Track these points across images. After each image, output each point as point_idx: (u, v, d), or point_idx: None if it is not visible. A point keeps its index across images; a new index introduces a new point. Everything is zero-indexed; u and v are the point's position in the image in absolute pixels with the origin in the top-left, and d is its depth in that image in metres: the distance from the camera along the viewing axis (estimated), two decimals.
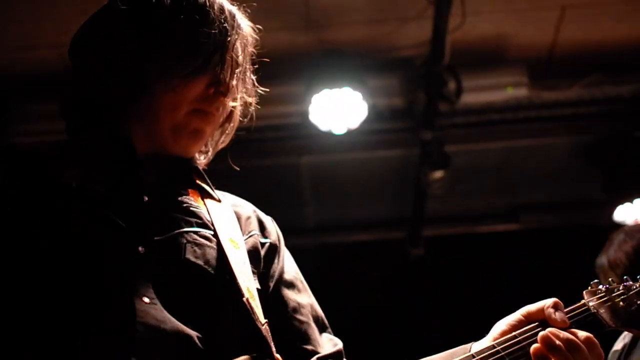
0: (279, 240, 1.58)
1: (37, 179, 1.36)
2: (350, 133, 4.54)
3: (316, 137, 4.70)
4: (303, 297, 1.54)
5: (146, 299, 1.28)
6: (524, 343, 1.29)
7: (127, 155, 1.43)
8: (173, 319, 1.28)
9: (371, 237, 5.91)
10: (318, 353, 1.47)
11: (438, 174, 4.93)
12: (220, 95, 1.46)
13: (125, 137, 1.44)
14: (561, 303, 1.36)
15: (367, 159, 5.28)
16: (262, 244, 1.53)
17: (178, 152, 1.48)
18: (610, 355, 2.65)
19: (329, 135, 4.55)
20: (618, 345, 2.62)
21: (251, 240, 1.51)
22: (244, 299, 1.36)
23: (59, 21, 3.62)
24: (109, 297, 1.27)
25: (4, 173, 1.36)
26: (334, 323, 1.57)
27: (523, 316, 1.37)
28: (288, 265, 1.57)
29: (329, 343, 1.51)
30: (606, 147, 5.15)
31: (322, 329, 1.54)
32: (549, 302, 1.36)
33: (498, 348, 1.29)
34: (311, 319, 1.52)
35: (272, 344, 1.35)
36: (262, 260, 1.50)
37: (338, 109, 4.37)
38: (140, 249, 1.33)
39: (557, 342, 1.27)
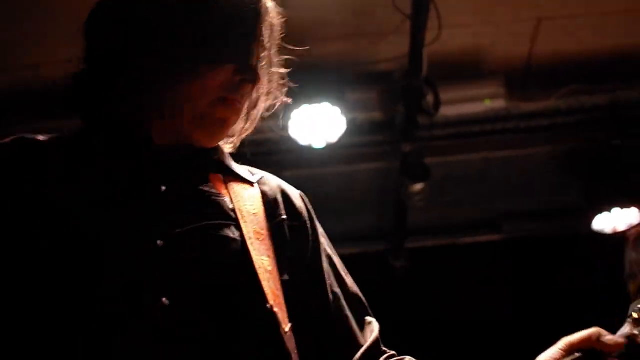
0: (309, 220, 1.46)
1: (49, 166, 1.28)
2: (329, 147, 4.55)
3: (296, 152, 4.70)
4: (340, 283, 1.45)
5: (165, 300, 1.19)
6: None
7: (144, 143, 1.33)
8: (189, 326, 1.20)
9: (353, 250, 5.90)
10: (360, 346, 1.39)
11: (418, 187, 4.94)
12: (247, 82, 1.36)
13: (142, 122, 1.34)
14: (605, 332, 1.26)
15: (347, 172, 5.28)
16: (290, 228, 1.41)
17: (201, 142, 1.38)
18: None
19: (308, 149, 4.56)
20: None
21: (278, 227, 1.39)
22: (268, 305, 1.26)
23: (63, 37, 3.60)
24: (126, 298, 1.19)
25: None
26: None
27: (563, 350, 1.26)
28: (321, 249, 1.45)
29: (369, 331, 1.42)
30: (584, 156, 5.20)
31: (361, 313, 1.45)
32: (593, 331, 1.26)
33: None
34: (348, 308, 1.42)
35: (295, 356, 1.27)
36: (290, 246, 1.39)
37: (317, 124, 4.38)
38: (158, 242, 1.23)
39: None
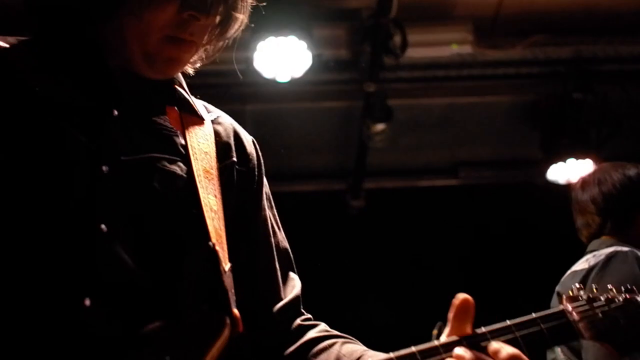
0: (257, 168, 1.45)
1: None
2: (294, 82, 4.51)
3: (260, 85, 4.65)
4: (273, 234, 1.46)
5: (104, 227, 1.17)
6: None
7: (97, 65, 1.28)
8: (128, 257, 1.18)
9: (312, 187, 5.94)
10: (281, 299, 1.41)
11: (380, 127, 4.96)
12: (195, 20, 1.29)
13: (97, 43, 1.29)
14: (468, 303, 1.24)
15: (310, 109, 5.26)
16: (239, 172, 1.40)
17: (153, 77, 1.33)
18: (566, 277, 2.60)
19: (272, 83, 4.52)
20: (580, 265, 2.56)
21: (227, 169, 1.38)
22: (210, 243, 1.26)
23: None
24: (63, 221, 1.16)
25: None
26: None
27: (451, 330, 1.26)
28: (263, 198, 1.45)
29: (291, 287, 1.45)
30: (545, 108, 5.26)
31: (287, 267, 1.47)
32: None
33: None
34: (277, 260, 1.44)
35: (232, 295, 1.27)
36: (237, 190, 1.38)
37: (282, 57, 4.33)
38: (103, 168, 1.20)
39: None
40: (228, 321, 1.18)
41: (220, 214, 1.31)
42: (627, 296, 1.35)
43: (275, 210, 1.50)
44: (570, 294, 1.35)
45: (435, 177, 6.06)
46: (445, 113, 5.44)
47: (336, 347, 1.37)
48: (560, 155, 5.20)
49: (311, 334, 1.40)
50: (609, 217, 2.65)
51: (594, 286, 1.37)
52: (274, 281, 1.42)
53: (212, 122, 1.42)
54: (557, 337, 1.28)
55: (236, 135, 1.44)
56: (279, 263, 1.44)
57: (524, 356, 1.21)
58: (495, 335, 1.24)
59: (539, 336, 1.26)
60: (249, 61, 4.31)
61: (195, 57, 1.40)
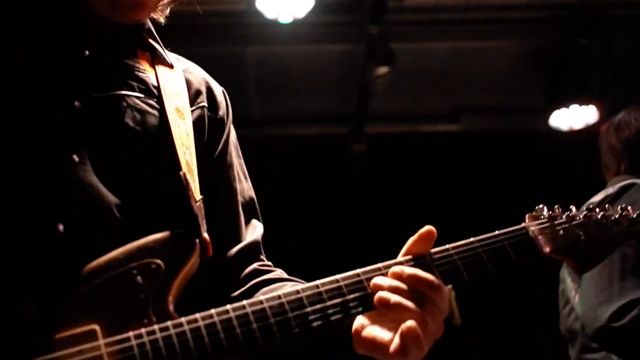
0: (227, 116, 1.51)
1: None
2: (296, 23, 4.46)
3: (262, 27, 4.60)
4: (239, 180, 1.52)
5: (75, 158, 1.22)
6: (365, 284, 1.23)
7: (69, 12, 1.32)
8: (101, 185, 1.23)
9: (314, 131, 5.93)
10: (241, 241, 1.47)
11: (382, 70, 4.92)
12: None
13: None
14: (431, 234, 1.28)
15: (312, 51, 5.21)
16: (210, 118, 1.46)
17: (120, 22, 1.36)
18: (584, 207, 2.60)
19: (274, 24, 4.46)
20: (596, 197, 2.56)
21: (198, 112, 1.43)
22: (181, 172, 1.31)
23: None
24: (35, 151, 1.21)
25: None
26: (274, 216, 1.57)
27: (405, 251, 1.30)
28: (231, 145, 1.51)
29: (252, 231, 1.50)
30: (549, 53, 5.21)
31: (251, 214, 1.52)
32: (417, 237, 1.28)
33: (341, 283, 1.22)
34: (241, 204, 1.50)
35: (202, 222, 1.32)
36: (206, 134, 1.44)
37: None
38: (76, 103, 1.25)
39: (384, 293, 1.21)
40: (197, 243, 1.21)
41: (192, 151, 1.36)
42: (587, 213, 1.40)
43: (242, 161, 1.55)
44: (533, 213, 1.40)
45: (437, 122, 6.05)
46: (448, 58, 5.38)
47: (283, 286, 1.38)
48: (563, 101, 5.18)
49: (263, 276, 1.44)
50: (629, 158, 2.67)
51: (556, 206, 1.41)
52: (235, 224, 1.47)
53: (183, 71, 1.47)
54: (519, 252, 1.33)
55: (207, 85, 1.49)
56: (242, 208, 1.49)
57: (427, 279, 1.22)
58: (455, 253, 1.28)
59: (502, 252, 1.32)
60: (250, 1, 4.25)
61: (163, 2, 1.41)
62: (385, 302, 1.20)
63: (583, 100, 5.12)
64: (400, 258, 1.28)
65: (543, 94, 5.37)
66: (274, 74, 5.34)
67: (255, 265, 1.45)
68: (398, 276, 1.23)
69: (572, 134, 5.29)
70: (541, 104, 5.38)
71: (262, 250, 1.51)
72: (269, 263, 1.50)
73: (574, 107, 5.16)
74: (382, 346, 1.20)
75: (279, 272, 1.47)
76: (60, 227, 1.18)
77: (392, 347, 1.19)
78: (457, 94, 5.78)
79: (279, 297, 1.18)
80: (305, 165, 5.69)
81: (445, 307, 1.22)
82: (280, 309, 1.17)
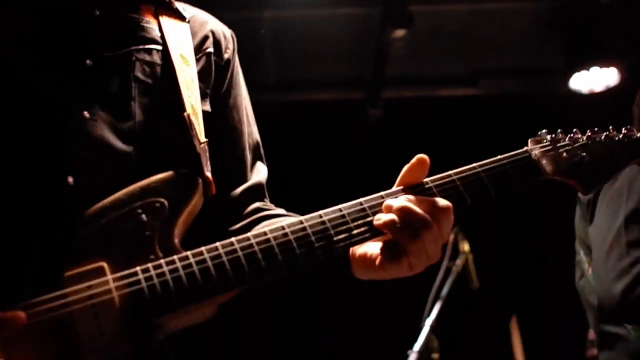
0: (233, 59, 1.55)
1: None
2: None
3: None
4: (246, 124, 1.54)
5: (86, 114, 1.27)
6: (368, 212, 1.23)
7: None
8: (111, 138, 1.28)
9: (330, 96, 5.90)
10: (246, 182, 1.50)
11: (400, 33, 4.86)
12: None
13: None
14: (424, 162, 1.28)
15: (329, 15, 5.16)
16: (215, 63, 1.50)
17: None
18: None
19: None
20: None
21: (204, 58, 1.48)
22: (185, 114, 1.34)
23: None
24: (48, 106, 1.25)
25: None
26: (290, 181, 1.58)
27: (399, 181, 1.29)
28: (237, 88, 1.55)
29: (256, 173, 1.53)
30: (570, 14, 5.11)
31: (255, 157, 1.55)
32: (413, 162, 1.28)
33: (344, 212, 1.23)
34: (247, 146, 1.53)
35: (206, 163, 1.35)
36: (212, 79, 1.48)
37: None
38: (87, 62, 1.31)
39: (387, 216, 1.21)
40: (200, 182, 1.25)
41: (197, 95, 1.40)
42: (590, 134, 1.39)
43: (249, 104, 1.58)
44: (536, 137, 1.40)
45: (455, 86, 5.98)
46: (467, 20, 5.30)
47: (281, 220, 1.40)
48: (584, 63, 5.09)
49: (264, 213, 1.47)
50: None
51: (559, 130, 1.40)
52: (239, 166, 1.51)
53: (189, 19, 1.50)
54: (522, 175, 1.33)
55: (213, 29, 1.52)
56: (247, 151, 1.53)
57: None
58: (458, 179, 1.29)
59: (505, 175, 1.32)
60: None
61: None
62: (389, 223, 1.19)
63: (604, 62, 5.04)
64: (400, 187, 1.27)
65: (563, 56, 5.29)
66: (290, 39, 5.30)
67: (257, 204, 1.48)
68: (405, 200, 1.22)
69: (593, 97, 5.22)
70: (561, 67, 5.30)
71: (266, 193, 1.53)
72: (272, 205, 1.52)
73: (595, 70, 5.08)
74: (373, 259, 1.21)
75: (280, 210, 1.49)
76: (70, 179, 1.22)
77: (385, 256, 1.19)
78: (475, 56, 5.70)
79: (283, 227, 1.19)
80: (321, 130, 5.67)
81: (447, 231, 1.21)
82: (284, 239, 1.18)
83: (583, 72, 5.13)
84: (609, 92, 5.01)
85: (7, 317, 1.05)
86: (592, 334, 3.64)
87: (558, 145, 1.38)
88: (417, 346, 3.44)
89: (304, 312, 4.87)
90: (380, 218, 1.20)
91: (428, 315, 3.59)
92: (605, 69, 5.04)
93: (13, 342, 1.06)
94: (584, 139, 1.39)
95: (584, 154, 1.37)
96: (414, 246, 1.17)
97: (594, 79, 5.13)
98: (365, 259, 1.23)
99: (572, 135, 1.40)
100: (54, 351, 1.08)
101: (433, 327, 3.55)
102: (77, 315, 1.09)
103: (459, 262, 3.76)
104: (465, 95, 5.96)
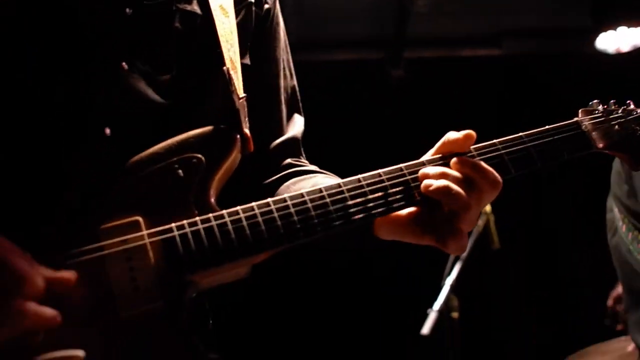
0: (274, 9, 1.52)
1: None
2: None
3: None
4: (283, 76, 1.52)
5: (125, 65, 1.26)
6: (408, 177, 1.22)
7: None
8: (148, 90, 1.27)
9: (351, 56, 5.85)
10: (282, 135, 1.49)
11: None
12: None
13: None
14: (470, 138, 1.25)
15: None
16: (255, 14, 1.47)
17: None
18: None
19: None
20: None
21: (244, 10, 1.45)
22: (224, 68, 1.32)
23: None
24: (88, 57, 1.24)
25: None
26: (310, 140, 1.58)
27: (439, 148, 1.27)
28: (277, 40, 1.52)
29: (292, 127, 1.52)
30: None
31: (292, 109, 1.54)
32: (460, 134, 1.26)
33: (383, 177, 1.21)
34: (283, 99, 1.51)
35: (244, 118, 1.33)
36: (252, 32, 1.46)
37: None
38: (127, 10, 1.29)
39: (431, 180, 1.19)
40: (238, 138, 1.24)
41: (236, 49, 1.37)
42: None
43: (289, 56, 1.56)
44: (588, 107, 1.35)
45: (478, 46, 5.90)
46: None
47: (314, 178, 1.40)
48: (610, 22, 4.99)
49: (296, 168, 1.46)
50: None
51: (612, 101, 1.35)
52: (276, 119, 1.50)
53: None
54: (571, 147, 1.29)
55: None
56: (285, 104, 1.51)
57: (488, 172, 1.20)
58: (503, 147, 1.25)
59: (552, 147, 1.28)
60: None
61: None
62: (430, 189, 1.18)
63: (631, 22, 4.93)
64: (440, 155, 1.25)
65: (589, 15, 5.18)
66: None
67: (289, 160, 1.48)
68: (459, 167, 1.20)
69: (620, 57, 5.13)
70: (587, 26, 5.20)
71: (301, 148, 1.52)
72: (305, 161, 1.51)
73: (622, 29, 4.98)
74: (408, 223, 1.20)
75: (313, 167, 1.49)
76: (107, 130, 1.22)
77: (425, 222, 1.18)
78: (499, 16, 5.61)
79: (320, 190, 1.18)
80: (342, 91, 5.63)
81: (491, 198, 1.20)
82: (321, 202, 1.17)
83: (610, 32, 5.03)
84: (637, 52, 4.92)
85: (61, 277, 1.06)
86: (618, 291, 3.62)
87: (610, 117, 1.33)
88: (437, 305, 3.47)
89: (323, 271, 4.92)
90: (432, 184, 1.18)
91: (448, 275, 3.61)
92: (632, 29, 4.95)
93: (51, 296, 1.06)
94: (639, 111, 1.35)
95: (638, 127, 1.33)
96: (464, 216, 1.16)
97: (621, 39, 5.03)
98: (401, 221, 1.22)
99: (625, 107, 1.36)
100: (87, 306, 1.09)
101: (453, 287, 3.57)
102: (111, 270, 1.10)
103: (480, 222, 3.76)
104: (489, 56, 5.88)
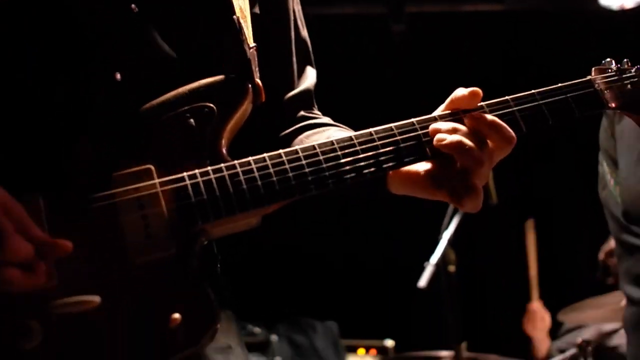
0: None
1: None
2: None
3: None
4: (295, 28, 1.51)
5: (134, 7, 1.24)
6: (420, 132, 1.22)
7: None
8: (158, 37, 1.25)
9: (352, 10, 5.79)
10: (293, 88, 1.48)
11: None
12: None
13: None
14: (476, 95, 1.24)
15: None
16: None
17: None
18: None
19: None
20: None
21: None
22: (234, 17, 1.31)
23: None
24: (98, 4, 1.23)
25: None
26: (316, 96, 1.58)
27: (448, 105, 1.27)
28: None
29: (304, 79, 1.50)
30: None
31: (304, 61, 1.53)
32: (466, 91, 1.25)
33: (395, 131, 1.21)
34: (295, 51, 1.50)
35: (255, 69, 1.32)
36: None
37: None
38: None
39: (445, 134, 1.19)
40: (250, 88, 1.24)
41: (246, 1, 1.35)
42: None
43: (300, 7, 1.53)
44: (600, 66, 1.34)
45: (480, 1, 5.84)
46: None
47: (328, 131, 1.40)
48: None
49: (310, 121, 1.46)
50: None
51: (626, 60, 1.35)
52: (288, 71, 1.48)
53: None
54: (583, 106, 1.29)
55: None
56: (296, 56, 1.49)
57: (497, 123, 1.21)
58: (515, 104, 1.25)
59: (564, 105, 1.28)
60: None
61: None
62: (443, 144, 1.18)
63: None
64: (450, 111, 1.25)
65: None
66: None
67: (303, 112, 1.47)
68: (473, 123, 1.20)
69: (624, 13, 5.09)
70: None
71: (314, 100, 1.51)
72: (318, 112, 1.51)
73: None
74: (423, 178, 1.21)
75: (325, 119, 1.49)
76: (118, 75, 1.22)
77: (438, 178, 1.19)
78: None
79: (332, 143, 1.19)
80: (343, 46, 5.60)
81: (503, 154, 1.20)
82: (332, 155, 1.18)
83: None
84: None
85: (54, 243, 1.06)
86: (610, 245, 3.68)
87: (624, 76, 1.32)
88: (434, 259, 3.52)
89: (323, 224, 4.97)
90: (445, 138, 1.19)
91: (446, 229, 3.65)
92: None
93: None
94: None
95: None
96: (477, 171, 1.17)
97: None
98: (413, 176, 1.23)
99: (638, 67, 1.34)
100: (101, 252, 1.11)
101: (451, 241, 3.62)
102: (124, 218, 1.12)
103: None
104: (491, 11, 5.83)
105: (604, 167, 2.46)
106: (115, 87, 1.21)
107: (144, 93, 1.21)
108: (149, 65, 1.25)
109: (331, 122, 1.48)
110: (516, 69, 5.55)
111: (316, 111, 1.52)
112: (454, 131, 1.20)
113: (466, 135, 1.19)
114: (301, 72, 1.51)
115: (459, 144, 1.18)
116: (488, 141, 1.20)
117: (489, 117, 1.21)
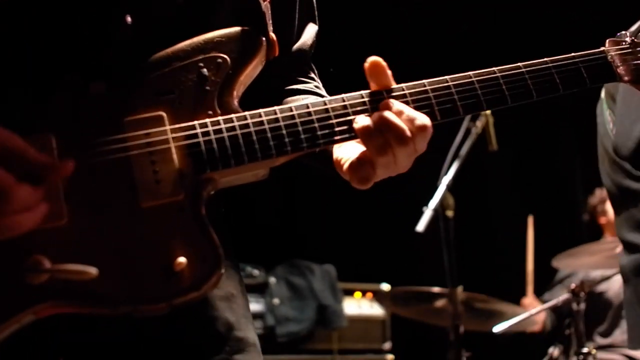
0: None
1: None
2: None
3: None
4: None
5: None
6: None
7: None
8: None
9: None
10: (292, 45, 1.48)
11: None
12: None
13: None
14: (379, 66, 1.23)
15: None
16: None
17: None
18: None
19: None
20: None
21: None
22: None
23: None
24: None
25: None
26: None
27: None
28: None
29: (303, 37, 1.50)
30: None
31: (307, 17, 1.52)
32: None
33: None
34: (297, 7, 1.49)
35: (269, 21, 1.33)
36: None
37: None
38: None
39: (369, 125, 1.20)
40: (264, 41, 1.25)
41: None
42: None
43: None
44: (614, 38, 1.35)
45: None
46: None
47: (307, 100, 1.38)
48: None
49: (295, 85, 1.47)
50: None
51: None
52: (289, 27, 1.47)
53: None
54: (595, 76, 1.30)
55: None
56: (298, 11, 1.49)
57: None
58: (527, 72, 1.27)
59: (576, 74, 1.30)
60: None
61: None
62: (364, 130, 1.20)
63: None
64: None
65: None
66: None
67: (295, 75, 1.48)
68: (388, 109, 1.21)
69: None
70: None
71: (308, 59, 1.51)
72: (310, 77, 1.51)
73: None
74: (342, 162, 1.25)
75: (311, 85, 1.49)
76: (128, 18, 1.22)
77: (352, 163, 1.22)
78: None
79: (324, 103, 1.22)
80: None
81: (423, 147, 1.22)
82: (324, 114, 1.21)
83: None
84: None
85: (55, 163, 1.08)
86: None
87: (638, 49, 1.33)
88: (433, 204, 3.54)
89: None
90: (358, 122, 1.20)
91: (445, 174, 3.66)
92: None
93: (72, 183, 1.10)
94: None
95: None
96: (382, 158, 1.19)
97: None
98: (337, 160, 1.27)
99: None
100: (110, 194, 1.13)
101: (449, 186, 3.63)
102: (134, 161, 1.14)
103: (479, 123, 3.79)
104: None
105: (606, 115, 2.45)
106: (126, 30, 1.21)
107: (155, 39, 1.21)
108: (160, 11, 1.25)
109: (314, 89, 1.48)
110: (516, 35, 5.44)
111: (311, 74, 1.52)
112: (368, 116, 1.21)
113: (370, 124, 1.20)
114: (302, 28, 1.50)
115: (364, 129, 1.20)
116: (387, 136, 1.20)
117: (384, 114, 1.20)
